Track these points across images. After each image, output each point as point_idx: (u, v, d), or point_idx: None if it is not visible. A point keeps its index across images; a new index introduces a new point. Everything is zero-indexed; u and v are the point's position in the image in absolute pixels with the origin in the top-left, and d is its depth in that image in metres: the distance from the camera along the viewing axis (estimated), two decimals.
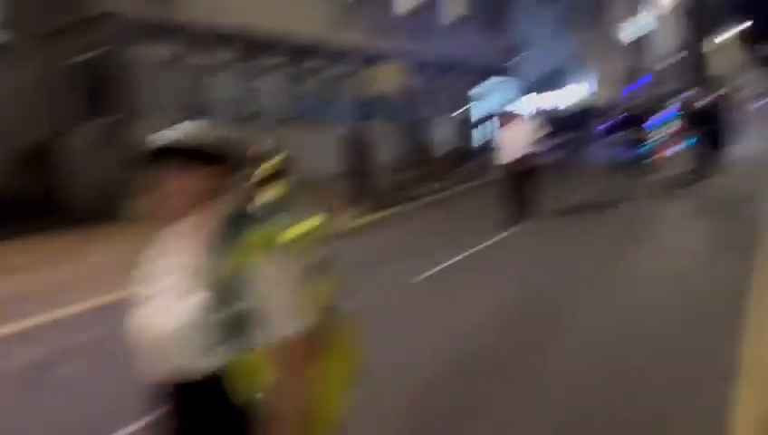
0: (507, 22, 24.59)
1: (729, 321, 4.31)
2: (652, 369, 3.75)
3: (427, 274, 6.49)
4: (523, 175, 9.17)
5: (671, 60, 46.14)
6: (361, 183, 11.72)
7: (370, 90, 14.28)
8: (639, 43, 41.89)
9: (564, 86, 29.70)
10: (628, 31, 40.14)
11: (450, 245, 7.73)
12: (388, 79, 13.81)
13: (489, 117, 21.07)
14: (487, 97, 24.50)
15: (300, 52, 15.61)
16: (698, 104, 12.51)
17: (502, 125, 9.81)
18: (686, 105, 14.16)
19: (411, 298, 5.80)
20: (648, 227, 8.29)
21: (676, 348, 4.02)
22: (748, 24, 65.12)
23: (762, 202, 8.59)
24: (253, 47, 14.33)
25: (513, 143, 9.29)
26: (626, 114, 14.27)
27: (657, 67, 42.75)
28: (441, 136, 19.46)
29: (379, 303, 5.34)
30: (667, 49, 45.47)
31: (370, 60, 16.69)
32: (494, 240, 8.04)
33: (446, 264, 6.85)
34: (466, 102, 22.24)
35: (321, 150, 15.26)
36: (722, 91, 14.02)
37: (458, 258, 7.10)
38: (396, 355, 4.08)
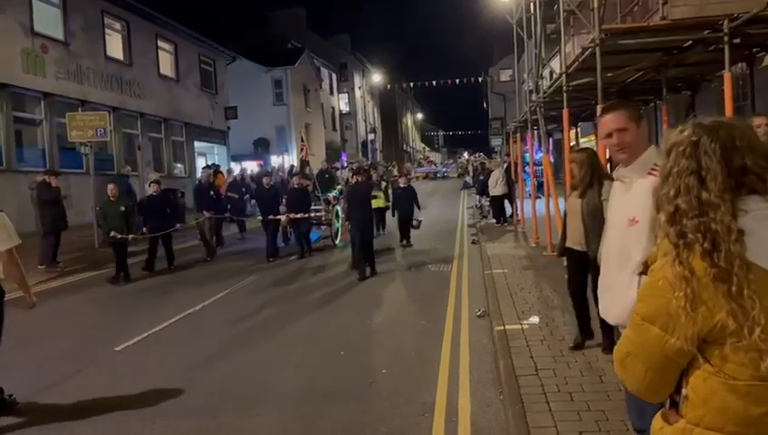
0: (219, 86, 24.84)
1: None
2: None
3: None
4: None
5: (371, 136, 52.14)
6: (54, 241, 10.34)
7: (70, 138, 12.83)
8: (346, 118, 46.42)
9: (271, 153, 30.79)
10: (336, 105, 44.20)
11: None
12: (89, 127, 12.52)
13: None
14: (206, 156, 24.05)
15: None
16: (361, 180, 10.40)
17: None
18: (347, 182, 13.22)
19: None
20: None
21: None
22: (420, 115, 78.14)
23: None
24: None
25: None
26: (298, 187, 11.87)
27: (358, 142, 47.81)
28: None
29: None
30: (366, 126, 51.29)
31: (71, 106, 15.14)
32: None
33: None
34: (183, 160, 21.63)
35: (7, 202, 12.94)
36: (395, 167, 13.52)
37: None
38: None
